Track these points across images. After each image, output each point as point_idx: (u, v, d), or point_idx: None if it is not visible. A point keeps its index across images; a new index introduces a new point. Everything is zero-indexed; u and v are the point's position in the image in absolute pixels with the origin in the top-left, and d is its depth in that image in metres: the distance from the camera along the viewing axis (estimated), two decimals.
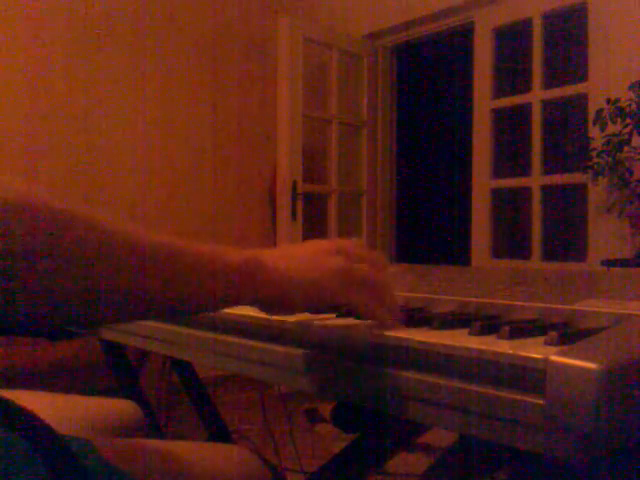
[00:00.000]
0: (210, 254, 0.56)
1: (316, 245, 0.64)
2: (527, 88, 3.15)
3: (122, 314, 0.53)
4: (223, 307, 0.61)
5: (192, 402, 1.41)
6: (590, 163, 2.58)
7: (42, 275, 0.43)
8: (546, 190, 3.10)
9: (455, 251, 3.66)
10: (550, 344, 0.51)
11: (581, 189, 2.88)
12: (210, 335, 0.78)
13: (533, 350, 0.48)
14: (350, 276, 0.62)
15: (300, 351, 0.66)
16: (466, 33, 3.48)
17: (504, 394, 0.48)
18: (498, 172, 3.32)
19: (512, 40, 3.31)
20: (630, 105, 2.45)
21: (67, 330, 1.07)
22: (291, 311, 0.63)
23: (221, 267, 0.56)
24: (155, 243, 0.51)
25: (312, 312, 0.69)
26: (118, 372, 1.37)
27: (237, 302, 0.59)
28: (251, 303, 0.59)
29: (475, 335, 0.56)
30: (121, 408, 1.04)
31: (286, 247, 0.64)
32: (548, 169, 3.09)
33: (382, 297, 0.63)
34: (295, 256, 0.62)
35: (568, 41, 3.12)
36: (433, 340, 0.55)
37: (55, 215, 0.45)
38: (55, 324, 0.48)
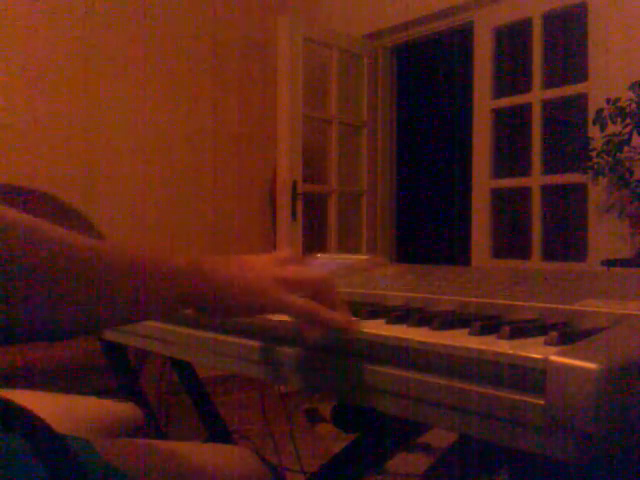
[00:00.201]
0: (153, 260, 0.57)
1: (260, 257, 0.67)
2: (527, 88, 3.15)
3: (76, 323, 0.54)
4: (167, 312, 0.63)
5: (192, 402, 1.41)
6: (590, 163, 2.58)
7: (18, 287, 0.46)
8: (546, 190, 3.10)
9: (455, 251, 3.66)
10: (550, 344, 0.51)
11: (581, 189, 2.88)
12: (210, 335, 0.78)
13: (533, 350, 0.48)
14: (289, 281, 0.63)
15: (299, 351, 0.66)
16: (466, 33, 3.48)
17: (504, 394, 0.48)
18: (498, 172, 3.32)
19: (512, 40, 3.31)
20: (630, 105, 2.45)
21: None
22: (229, 314, 0.64)
23: (165, 272, 0.58)
24: (112, 252, 0.54)
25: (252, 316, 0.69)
26: (118, 372, 1.37)
27: (178, 305, 0.60)
28: (191, 306, 0.61)
29: (475, 335, 0.56)
30: (121, 408, 1.04)
31: (233, 256, 0.66)
32: (548, 169, 3.09)
33: (327, 298, 0.64)
34: (237, 264, 0.64)
35: (568, 41, 3.12)
36: (433, 340, 0.55)
37: (22, 233, 0.47)
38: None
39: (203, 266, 0.60)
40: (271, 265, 0.65)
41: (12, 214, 0.47)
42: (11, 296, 0.45)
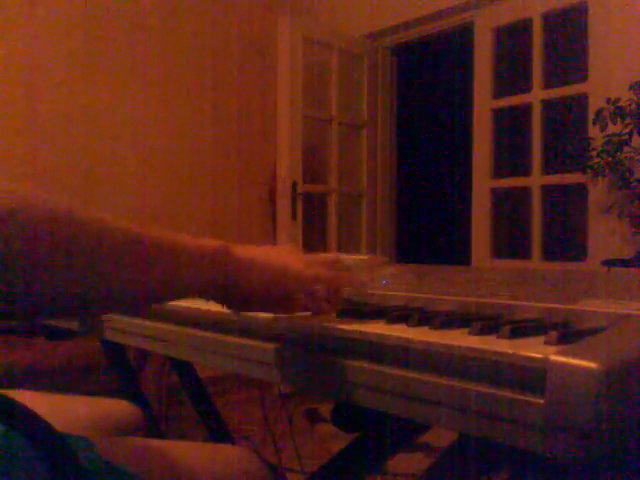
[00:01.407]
0: (183, 241, 0.60)
1: (280, 246, 0.73)
2: (527, 88, 3.15)
3: (109, 302, 0.56)
4: (195, 293, 0.64)
5: (192, 402, 1.41)
6: (590, 163, 2.58)
7: (42, 266, 0.48)
8: (546, 190, 3.10)
9: (455, 251, 3.66)
10: (550, 344, 0.51)
11: (581, 189, 2.88)
12: (210, 335, 0.78)
13: (533, 350, 0.48)
14: (310, 261, 0.70)
15: (299, 351, 0.66)
16: (466, 33, 3.48)
17: (504, 394, 0.48)
18: (498, 172, 3.32)
19: (512, 40, 3.31)
20: (630, 105, 2.45)
21: (67, 330, 1.07)
22: (253, 298, 0.66)
23: (195, 253, 0.60)
24: (140, 234, 0.56)
25: (278, 305, 0.70)
26: (118, 372, 1.37)
27: (206, 288, 0.62)
28: (218, 289, 0.63)
29: (475, 335, 0.56)
30: (121, 408, 1.04)
31: (253, 246, 0.71)
32: (548, 169, 3.09)
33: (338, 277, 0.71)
34: (261, 249, 0.69)
35: (568, 41, 3.12)
36: (433, 340, 0.55)
37: (53, 213, 0.49)
38: (51, 312, 0.57)
39: (230, 249, 0.63)
40: (293, 250, 0.71)
41: (36, 195, 0.48)
42: (13, 267, 0.47)
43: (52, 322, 1.11)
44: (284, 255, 0.69)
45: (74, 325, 1.04)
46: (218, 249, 0.62)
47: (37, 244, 0.47)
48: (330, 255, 0.75)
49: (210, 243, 0.62)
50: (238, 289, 0.64)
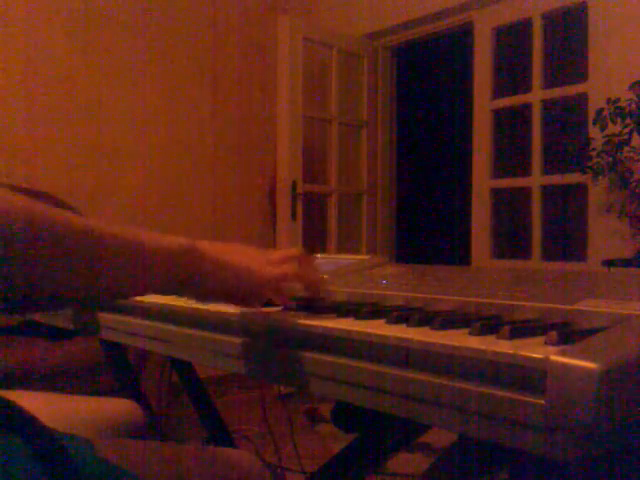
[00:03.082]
0: (151, 240, 0.62)
1: (245, 246, 0.76)
2: (527, 88, 3.15)
3: (82, 294, 0.58)
4: (163, 289, 0.66)
5: (192, 402, 1.41)
6: (590, 163, 2.58)
7: (21, 262, 0.50)
8: (546, 190, 3.10)
9: (455, 251, 3.66)
10: (550, 344, 0.51)
11: (581, 189, 2.88)
12: (210, 335, 0.78)
13: (533, 350, 0.48)
14: (274, 260, 0.73)
15: (300, 352, 0.66)
16: (466, 33, 3.48)
17: (504, 394, 0.48)
18: (498, 172, 3.32)
19: (512, 40, 3.31)
20: (630, 105, 2.45)
21: (67, 330, 1.07)
22: (217, 295, 0.68)
23: (162, 251, 0.62)
24: (111, 233, 0.58)
25: (242, 301, 0.73)
26: (118, 372, 1.37)
27: (171, 284, 0.64)
28: (184, 284, 0.65)
29: (475, 335, 0.56)
30: (121, 408, 1.04)
31: (227, 243, 0.74)
32: (548, 169, 3.09)
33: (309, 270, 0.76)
34: (227, 247, 0.72)
35: (568, 41, 3.12)
36: (433, 340, 0.55)
37: (34, 215, 0.51)
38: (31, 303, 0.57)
39: (197, 247, 0.65)
40: (261, 254, 0.73)
41: (15, 198, 0.50)
42: (13, 269, 0.49)
43: (52, 322, 1.11)
44: (248, 254, 0.72)
45: (70, 324, 1.04)
46: (184, 247, 0.64)
47: (36, 246, 0.49)
48: (294, 250, 0.77)
49: (176, 240, 0.64)
50: (202, 286, 0.66)
